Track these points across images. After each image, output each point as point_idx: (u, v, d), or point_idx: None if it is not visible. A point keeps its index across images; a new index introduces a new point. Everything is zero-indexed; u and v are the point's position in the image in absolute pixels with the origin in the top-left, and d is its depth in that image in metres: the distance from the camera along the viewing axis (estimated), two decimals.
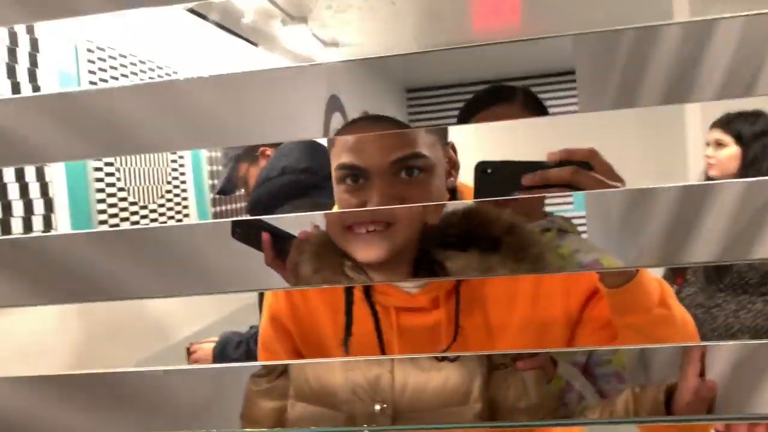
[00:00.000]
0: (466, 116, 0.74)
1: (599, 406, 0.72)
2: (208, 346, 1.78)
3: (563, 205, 0.74)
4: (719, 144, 1.66)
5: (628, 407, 0.70)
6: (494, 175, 0.61)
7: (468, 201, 0.78)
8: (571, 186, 0.60)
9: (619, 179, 0.62)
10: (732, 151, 1.68)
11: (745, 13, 0.48)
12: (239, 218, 0.58)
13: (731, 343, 0.63)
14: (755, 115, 1.61)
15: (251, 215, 1.48)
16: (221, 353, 1.68)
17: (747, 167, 1.65)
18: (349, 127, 0.60)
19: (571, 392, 0.80)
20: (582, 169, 0.60)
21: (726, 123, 1.64)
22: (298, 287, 0.73)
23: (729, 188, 0.49)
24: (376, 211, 0.73)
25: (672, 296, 0.82)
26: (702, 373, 0.70)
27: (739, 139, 1.65)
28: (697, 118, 3.03)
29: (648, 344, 0.71)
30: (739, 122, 1.59)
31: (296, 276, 0.63)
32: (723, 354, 0.73)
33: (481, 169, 0.61)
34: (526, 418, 0.72)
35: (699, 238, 0.53)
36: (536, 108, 0.85)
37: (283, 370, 0.77)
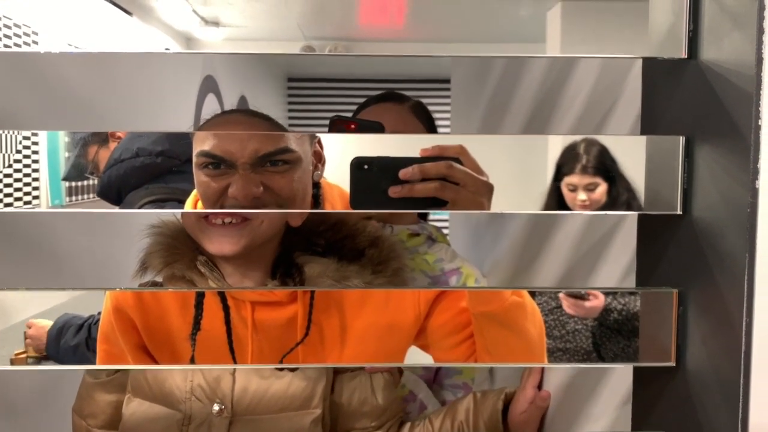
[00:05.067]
0: (357, 110, 0.75)
1: (442, 411, 0.75)
2: (44, 323, 1.64)
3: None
4: (591, 188, 1.72)
5: (468, 413, 0.73)
6: (370, 171, 0.62)
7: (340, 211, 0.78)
8: (445, 179, 0.63)
9: (485, 174, 0.66)
10: (604, 187, 1.76)
11: (602, 56, 0.52)
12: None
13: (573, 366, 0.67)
14: (599, 144, 1.70)
15: (101, 197, 1.41)
16: (56, 337, 1.56)
17: (614, 199, 1.76)
18: (222, 117, 0.58)
19: (413, 402, 0.83)
20: (455, 163, 0.63)
21: (597, 166, 1.70)
22: (149, 289, 0.70)
23: (575, 218, 0.53)
24: (235, 205, 0.71)
25: None
26: (540, 385, 0.75)
27: (607, 175, 1.75)
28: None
29: (500, 330, 0.74)
30: (606, 159, 1.68)
31: (145, 268, 0.61)
32: (561, 369, 0.78)
33: (357, 164, 0.62)
34: (368, 421, 0.73)
35: (545, 259, 0.57)
36: (425, 116, 0.88)
37: None
